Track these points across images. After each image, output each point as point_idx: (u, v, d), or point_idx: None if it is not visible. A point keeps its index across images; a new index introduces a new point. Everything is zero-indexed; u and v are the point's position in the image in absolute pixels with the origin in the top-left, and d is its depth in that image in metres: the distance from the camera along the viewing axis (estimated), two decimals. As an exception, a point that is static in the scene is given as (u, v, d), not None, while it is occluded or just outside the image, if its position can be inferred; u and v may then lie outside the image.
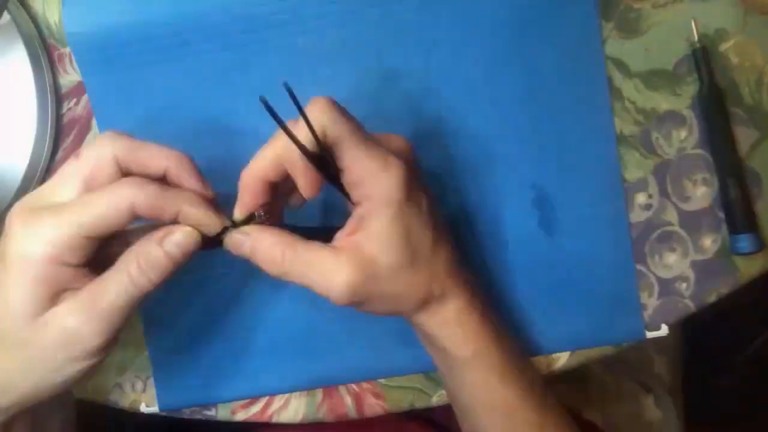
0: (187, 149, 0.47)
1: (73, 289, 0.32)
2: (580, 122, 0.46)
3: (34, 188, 0.49)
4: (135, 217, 0.32)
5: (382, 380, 0.49)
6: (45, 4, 0.49)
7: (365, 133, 0.36)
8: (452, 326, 0.39)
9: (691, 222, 0.47)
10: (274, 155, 0.35)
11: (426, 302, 0.38)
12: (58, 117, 0.50)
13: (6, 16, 0.47)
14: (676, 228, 0.47)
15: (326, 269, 0.35)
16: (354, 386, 0.49)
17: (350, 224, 0.37)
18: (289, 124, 0.32)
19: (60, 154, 0.50)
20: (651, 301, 0.47)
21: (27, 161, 0.48)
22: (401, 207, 0.35)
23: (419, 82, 0.46)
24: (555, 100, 0.46)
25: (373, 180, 0.35)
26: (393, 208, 0.35)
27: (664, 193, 0.47)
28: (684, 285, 0.47)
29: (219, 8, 0.46)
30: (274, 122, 0.46)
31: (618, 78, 0.46)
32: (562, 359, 0.48)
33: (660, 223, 0.47)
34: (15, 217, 0.32)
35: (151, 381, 0.50)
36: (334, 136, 0.34)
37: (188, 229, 0.34)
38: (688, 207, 0.47)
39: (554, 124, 0.46)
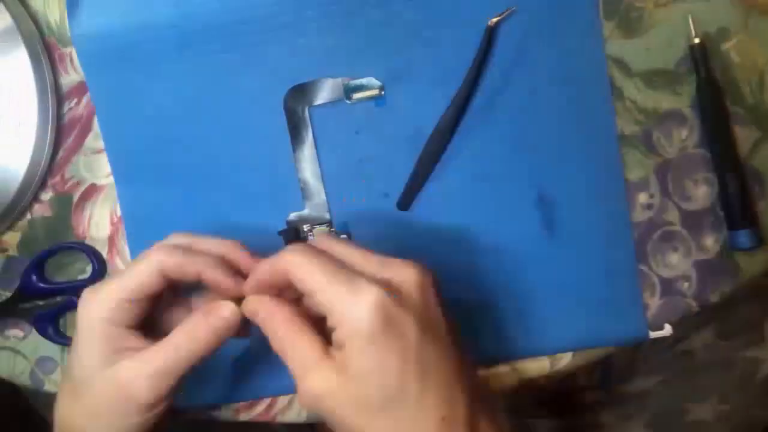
0: (189, 150, 0.48)
1: (132, 349, 0.36)
2: (581, 122, 0.46)
3: (35, 188, 0.49)
4: (167, 278, 0.37)
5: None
6: (45, 3, 0.49)
7: (335, 261, 0.34)
8: None
9: (693, 221, 0.46)
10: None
11: None
12: (59, 117, 0.50)
13: (6, 15, 0.47)
14: (678, 227, 0.47)
15: (311, 367, 0.33)
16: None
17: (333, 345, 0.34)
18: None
19: (61, 154, 0.50)
20: (653, 301, 0.47)
21: (28, 161, 0.48)
22: (374, 340, 0.31)
23: (422, 82, 0.46)
24: (556, 100, 0.46)
25: (341, 306, 0.32)
26: (362, 341, 0.31)
27: (665, 192, 0.46)
28: (686, 284, 0.47)
29: (221, 9, 0.46)
30: (273, 122, 0.46)
31: (619, 77, 0.46)
32: (564, 359, 0.47)
33: (662, 222, 0.47)
34: (86, 292, 0.38)
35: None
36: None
37: (232, 305, 0.37)
38: (689, 206, 0.46)
39: (555, 124, 0.46)
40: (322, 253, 0.34)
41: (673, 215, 0.47)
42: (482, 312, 0.47)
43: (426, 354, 0.32)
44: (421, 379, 0.31)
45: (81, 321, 0.37)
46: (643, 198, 0.47)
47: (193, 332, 0.36)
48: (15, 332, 0.51)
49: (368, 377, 0.31)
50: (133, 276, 0.37)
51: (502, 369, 0.48)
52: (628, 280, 0.46)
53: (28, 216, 0.51)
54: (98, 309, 0.37)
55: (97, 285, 0.38)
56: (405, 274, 0.34)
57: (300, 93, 0.47)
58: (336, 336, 0.33)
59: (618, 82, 0.46)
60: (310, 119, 0.47)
